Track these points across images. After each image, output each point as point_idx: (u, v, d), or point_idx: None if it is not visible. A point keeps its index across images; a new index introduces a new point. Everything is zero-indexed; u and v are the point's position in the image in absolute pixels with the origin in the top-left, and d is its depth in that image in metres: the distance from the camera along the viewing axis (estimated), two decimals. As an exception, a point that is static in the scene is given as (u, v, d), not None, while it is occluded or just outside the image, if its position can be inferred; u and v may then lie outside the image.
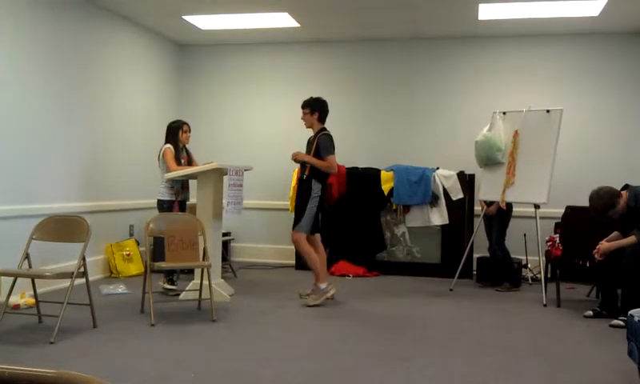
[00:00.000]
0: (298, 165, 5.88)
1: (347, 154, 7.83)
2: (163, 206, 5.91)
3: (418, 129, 7.97)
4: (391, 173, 7.34)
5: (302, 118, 5.79)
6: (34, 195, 5.78)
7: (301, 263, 7.62)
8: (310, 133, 5.82)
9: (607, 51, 7.47)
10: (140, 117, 7.61)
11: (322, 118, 5.77)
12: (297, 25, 7.35)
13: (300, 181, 5.78)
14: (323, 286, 5.65)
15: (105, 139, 6.92)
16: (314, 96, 5.83)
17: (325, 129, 5.75)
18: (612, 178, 7.30)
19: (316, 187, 5.64)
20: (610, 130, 7.46)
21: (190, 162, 6.17)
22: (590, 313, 5.29)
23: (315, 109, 5.71)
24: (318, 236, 5.83)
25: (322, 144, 5.63)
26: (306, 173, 5.68)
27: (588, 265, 5.91)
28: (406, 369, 3.79)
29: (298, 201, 5.75)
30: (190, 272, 6.21)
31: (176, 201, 5.96)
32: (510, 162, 6.29)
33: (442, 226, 7.19)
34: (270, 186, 8.11)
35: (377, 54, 8.09)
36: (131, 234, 7.39)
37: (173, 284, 6.00)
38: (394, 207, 7.38)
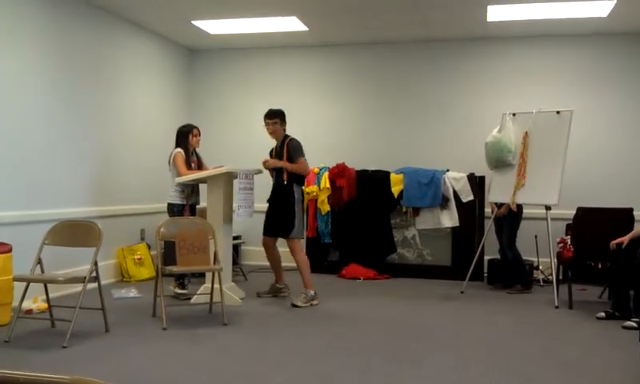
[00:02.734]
0: (272, 170, 6.02)
1: (357, 157, 7.85)
2: (173, 210, 5.93)
3: (428, 131, 7.96)
4: (401, 175, 7.33)
5: (269, 128, 5.98)
6: (46, 200, 5.82)
7: (310, 266, 7.61)
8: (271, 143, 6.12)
9: (616, 52, 7.43)
10: (150, 121, 7.65)
11: (285, 127, 6.04)
12: (305, 29, 7.36)
13: (277, 186, 5.92)
14: (312, 292, 5.81)
15: (116, 144, 6.96)
16: (274, 108, 6.06)
17: (288, 135, 5.99)
18: (623, 180, 7.29)
19: (297, 191, 5.87)
20: (620, 131, 7.41)
21: (200, 166, 6.19)
22: (603, 314, 5.26)
23: (283, 119, 6.00)
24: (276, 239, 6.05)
25: (292, 148, 5.87)
26: (285, 178, 5.84)
27: (600, 266, 5.89)
28: (418, 372, 3.78)
29: (278, 206, 5.88)
30: (201, 276, 6.23)
31: (187, 205, 5.99)
32: (520, 163, 6.27)
33: (453, 229, 7.18)
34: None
35: (386, 57, 8.09)
36: (142, 239, 7.43)
37: (184, 288, 6.02)
38: (404, 209, 7.37)
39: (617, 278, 5.28)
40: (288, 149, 5.88)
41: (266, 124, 5.98)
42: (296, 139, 5.96)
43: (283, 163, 5.83)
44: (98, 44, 6.63)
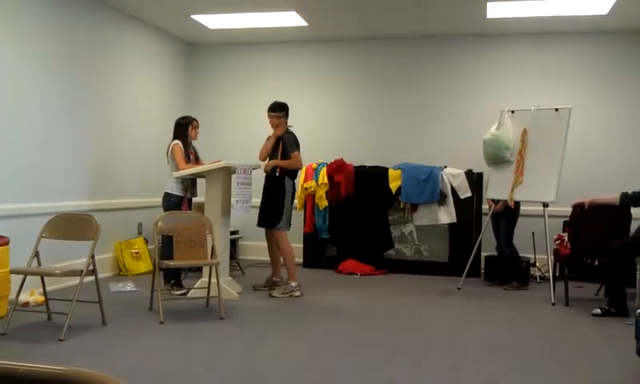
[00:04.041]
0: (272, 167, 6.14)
1: (355, 153, 7.84)
2: (170, 200, 5.88)
3: (426, 127, 7.96)
4: (399, 171, 7.33)
5: (273, 122, 6.07)
6: (44, 193, 5.81)
7: (308, 261, 7.65)
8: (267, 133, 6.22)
9: (616, 49, 7.43)
10: (149, 115, 7.63)
11: (287, 121, 6.14)
12: (305, 23, 7.35)
13: (270, 177, 6.04)
14: (294, 284, 5.95)
15: (113, 138, 6.95)
16: (279, 101, 6.14)
17: (289, 129, 6.09)
18: (621, 178, 7.29)
19: (288, 184, 5.99)
20: (619, 129, 7.42)
21: (196, 159, 6.17)
22: (598, 311, 5.26)
23: (287, 113, 6.09)
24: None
25: (287, 142, 5.98)
26: (278, 171, 5.98)
27: (596, 263, 5.90)
28: (415, 368, 3.79)
29: (269, 198, 6.02)
30: (198, 270, 6.23)
31: (185, 197, 5.96)
32: (518, 160, 6.27)
33: (450, 225, 7.18)
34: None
35: (385, 53, 8.08)
36: (140, 232, 7.42)
37: (180, 287, 5.94)
38: (402, 205, 7.37)
39: (613, 275, 5.29)
40: (283, 143, 5.97)
41: (270, 117, 6.05)
42: (291, 133, 6.04)
43: (277, 162, 5.95)
44: (96, 37, 6.61)
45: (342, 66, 8.24)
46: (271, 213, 5.98)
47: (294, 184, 6.06)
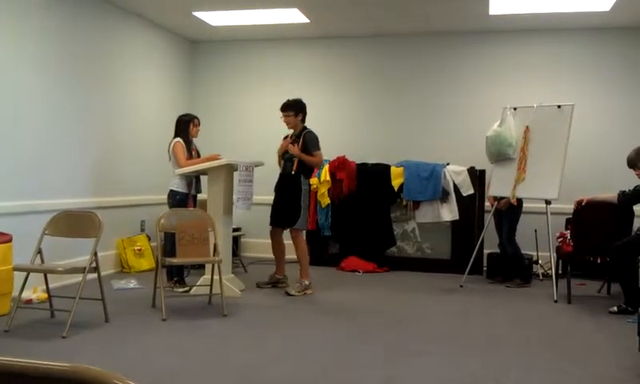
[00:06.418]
0: (280, 158, 6.06)
1: (357, 150, 7.84)
2: (176, 197, 5.88)
3: (428, 124, 7.95)
4: (401, 168, 7.33)
5: (285, 120, 5.98)
6: (46, 191, 5.82)
7: (310, 258, 7.61)
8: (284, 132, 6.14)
9: (619, 46, 7.41)
10: (151, 113, 7.64)
11: (304, 119, 6.01)
12: (306, 20, 7.34)
13: (286, 176, 5.93)
14: (307, 282, 5.92)
15: (116, 135, 6.95)
16: (293, 98, 6.05)
17: (307, 127, 5.98)
18: (624, 175, 7.28)
19: (305, 183, 5.91)
20: (621, 126, 7.40)
21: (198, 157, 6.16)
22: (615, 309, 5.23)
23: (299, 110, 5.96)
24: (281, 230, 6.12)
25: (310, 140, 5.87)
26: (294, 169, 5.86)
27: (599, 261, 5.89)
28: (417, 365, 3.79)
29: (285, 196, 5.93)
30: (200, 267, 6.24)
31: (190, 194, 5.96)
32: (520, 157, 6.27)
33: (453, 222, 7.18)
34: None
35: (387, 50, 8.07)
36: (142, 230, 7.43)
37: (184, 284, 5.95)
38: (404, 203, 7.37)
39: (624, 273, 5.24)
40: (304, 141, 5.87)
41: (282, 116, 6.00)
42: (313, 132, 5.95)
43: (301, 155, 5.80)
44: (98, 35, 6.61)
45: (344, 63, 8.24)
46: (288, 212, 5.88)
47: (309, 183, 6.02)
